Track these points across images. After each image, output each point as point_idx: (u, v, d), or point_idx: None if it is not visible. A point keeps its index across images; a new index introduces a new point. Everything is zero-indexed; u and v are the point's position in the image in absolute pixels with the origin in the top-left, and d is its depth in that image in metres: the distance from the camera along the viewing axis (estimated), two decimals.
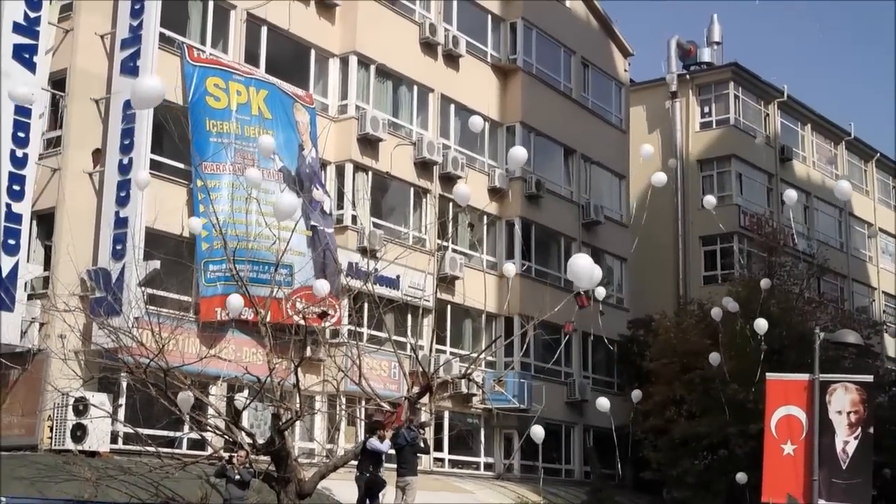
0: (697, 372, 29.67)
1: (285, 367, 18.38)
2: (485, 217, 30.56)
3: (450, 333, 28.70)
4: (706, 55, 43.90)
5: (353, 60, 27.30)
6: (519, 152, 17.77)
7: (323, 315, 20.70)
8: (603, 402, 23.76)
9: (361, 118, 26.73)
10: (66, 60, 22.14)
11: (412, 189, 28.41)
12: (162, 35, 22.53)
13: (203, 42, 24.39)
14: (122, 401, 20.48)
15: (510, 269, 24.61)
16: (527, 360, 30.40)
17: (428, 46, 29.52)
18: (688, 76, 41.96)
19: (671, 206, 39.63)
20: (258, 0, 25.12)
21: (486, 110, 30.15)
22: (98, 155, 22.05)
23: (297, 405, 18.68)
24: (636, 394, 28.17)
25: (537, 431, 21.75)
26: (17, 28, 21.43)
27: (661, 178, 21.70)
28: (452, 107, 30.28)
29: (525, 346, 28.66)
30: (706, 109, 41.96)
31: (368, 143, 26.97)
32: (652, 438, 31.24)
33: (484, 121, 30.96)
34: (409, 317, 26.65)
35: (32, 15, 21.70)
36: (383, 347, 24.41)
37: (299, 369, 18.32)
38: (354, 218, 26.47)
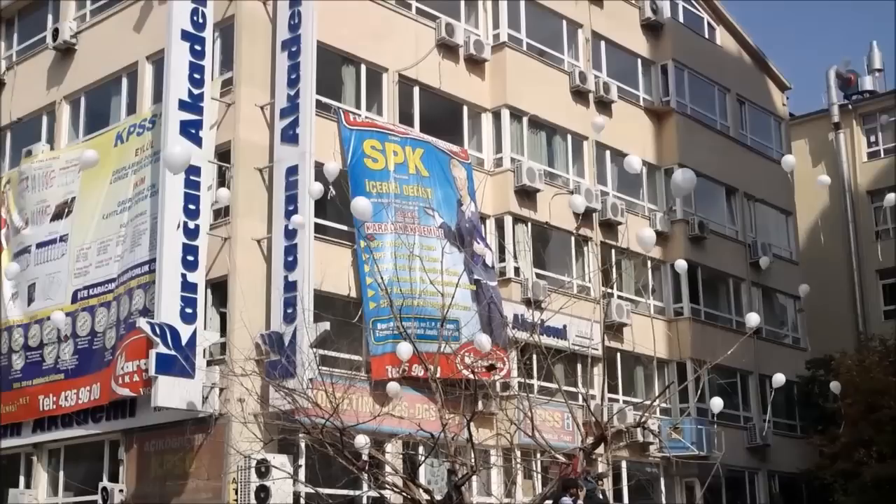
0: (885, 412, 28.37)
1: (458, 422, 18.28)
2: (649, 262, 30.07)
3: (621, 381, 28.21)
4: (867, 83, 42.46)
5: (506, 114, 27.40)
6: (685, 175, 16.62)
7: (491, 368, 20.57)
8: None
9: (517, 170, 26.75)
10: (229, 133, 22.88)
11: (572, 238, 28.17)
12: (318, 102, 23.05)
13: (358, 106, 24.87)
14: (302, 461, 20.72)
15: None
16: (703, 405, 29.57)
17: (579, 94, 29.42)
18: (850, 106, 40.72)
19: (842, 240, 38.31)
20: (409, 62, 25.55)
21: (643, 154, 29.71)
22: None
23: (472, 460, 18.52)
24: None
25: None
26: (182, 105, 22.32)
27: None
28: (608, 153, 30.03)
29: (700, 390, 27.91)
30: (872, 138, 40.64)
31: (526, 195, 26.93)
32: (842, 482, 29.90)
33: (642, 163, 30.87)
34: (579, 366, 26.29)
35: (196, 92, 22.59)
36: (554, 398, 24.09)
37: (472, 424, 18.19)
38: (517, 269, 26.39)
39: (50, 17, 28.45)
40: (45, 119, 27.68)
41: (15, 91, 28.73)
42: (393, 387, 20.17)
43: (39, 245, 25.57)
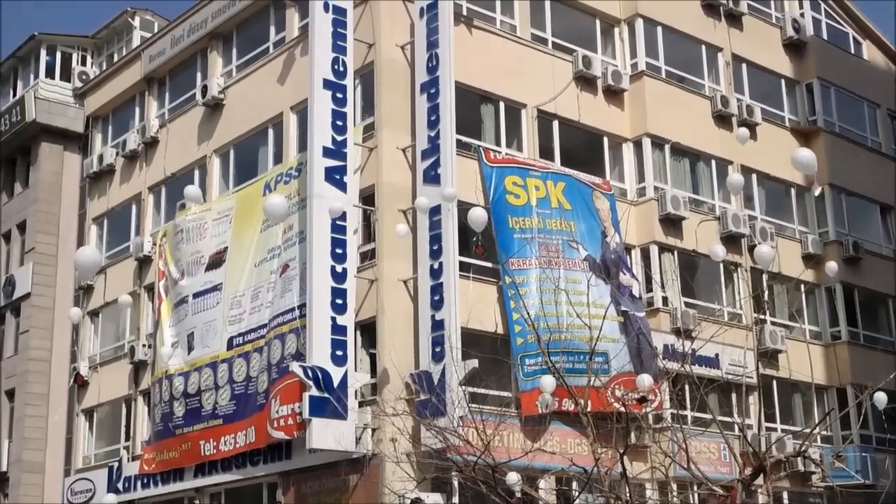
0: None
1: (611, 456, 18.06)
2: (802, 286, 29.25)
3: (778, 410, 27.45)
4: None
5: (647, 142, 27.16)
6: (736, 180, 16.84)
7: (643, 400, 20.28)
8: None
9: (661, 199, 26.44)
10: (372, 177, 23.31)
11: (721, 264, 27.63)
12: (458, 142, 23.27)
13: (498, 143, 25.03)
14: (456, 499, 20.78)
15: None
16: (866, 432, 28.54)
17: (721, 119, 28.95)
18: None
19: None
20: (547, 96, 25.61)
21: (790, 176, 29.14)
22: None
23: (627, 494, 18.25)
24: None
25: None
26: (326, 152, 22.88)
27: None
28: (754, 176, 29.41)
29: (861, 417, 26.93)
30: None
31: (671, 223, 26.58)
32: None
33: (788, 186, 30.17)
34: (734, 395, 25.65)
35: (339, 138, 23.12)
36: (709, 429, 23.53)
37: (625, 457, 17.94)
38: (665, 299, 26.02)
39: (199, 75, 29.59)
40: (196, 173, 28.74)
41: (168, 147, 29.94)
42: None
43: (196, 295, 26.44)
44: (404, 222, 23.05)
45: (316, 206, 22.42)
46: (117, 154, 31.87)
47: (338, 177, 22.88)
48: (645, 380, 18.95)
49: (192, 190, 25.18)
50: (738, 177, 20.32)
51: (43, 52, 35.43)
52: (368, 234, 23.48)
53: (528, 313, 21.18)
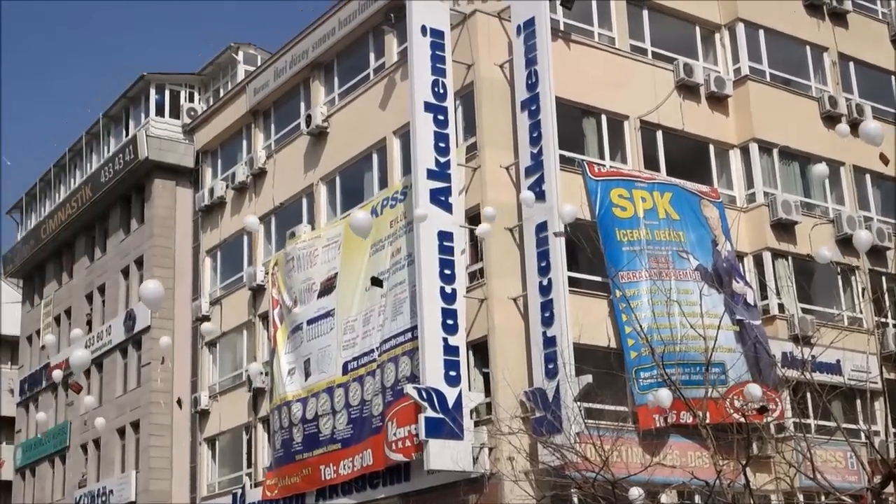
0: None
1: (732, 468, 17.74)
2: None
3: None
4: None
5: (755, 148, 26.71)
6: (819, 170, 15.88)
7: (763, 410, 19.86)
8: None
9: (772, 204, 25.97)
10: (477, 196, 23.38)
11: (838, 268, 26.97)
12: (562, 157, 23.20)
13: (601, 156, 24.90)
14: None
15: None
16: None
17: (830, 119, 28.28)
18: None
19: None
20: (649, 106, 25.40)
21: None
22: None
23: None
24: None
25: None
26: (430, 174, 23.05)
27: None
28: (867, 176, 28.69)
29: None
30: None
31: (783, 228, 26.07)
32: None
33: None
34: (858, 402, 24.97)
35: (442, 160, 23.28)
36: (834, 437, 22.96)
37: (748, 469, 17.61)
38: (781, 306, 25.50)
39: (302, 105, 30.10)
40: (304, 201, 29.18)
41: (276, 177, 30.49)
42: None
43: (310, 321, 26.81)
44: (511, 240, 23.06)
45: (423, 229, 22.58)
46: (227, 186, 32.57)
47: (443, 198, 23.02)
48: (754, 390, 18.57)
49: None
50: (822, 167, 19.73)
51: (152, 91, 36.48)
52: (476, 253, 23.54)
53: (640, 326, 20.98)
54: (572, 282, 22.42)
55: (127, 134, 37.23)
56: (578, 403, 20.20)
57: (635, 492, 17.82)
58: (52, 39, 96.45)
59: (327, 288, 26.57)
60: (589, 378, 21.10)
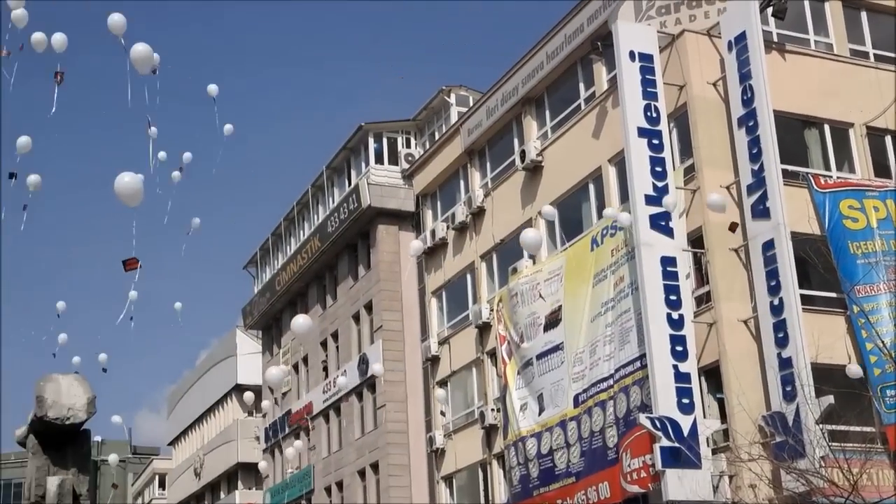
0: None
1: None
2: None
3: None
4: None
5: None
6: None
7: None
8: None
9: None
10: (698, 218, 22.89)
11: None
12: (784, 171, 22.47)
13: (827, 167, 23.98)
14: None
15: None
16: None
17: None
18: None
19: None
20: (875, 112, 24.32)
21: None
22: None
23: None
24: None
25: None
26: (649, 200, 22.75)
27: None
28: None
29: None
30: None
31: None
32: None
33: None
34: None
35: (660, 184, 22.94)
36: None
37: None
38: None
39: (515, 141, 30.35)
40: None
41: (494, 215, 30.80)
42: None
43: (539, 356, 26.84)
44: (737, 260, 22.45)
45: (645, 255, 22.28)
46: (448, 227, 33.12)
47: (663, 223, 22.66)
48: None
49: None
50: None
51: (371, 140, 37.63)
52: (701, 277, 23.03)
53: (882, 342, 19.99)
54: (805, 299, 21.59)
55: (349, 184, 38.49)
56: (821, 426, 19.38)
57: None
58: (274, 103, 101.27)
59: (552, 321, 26.55)
60: (830, 399, 20.19)
